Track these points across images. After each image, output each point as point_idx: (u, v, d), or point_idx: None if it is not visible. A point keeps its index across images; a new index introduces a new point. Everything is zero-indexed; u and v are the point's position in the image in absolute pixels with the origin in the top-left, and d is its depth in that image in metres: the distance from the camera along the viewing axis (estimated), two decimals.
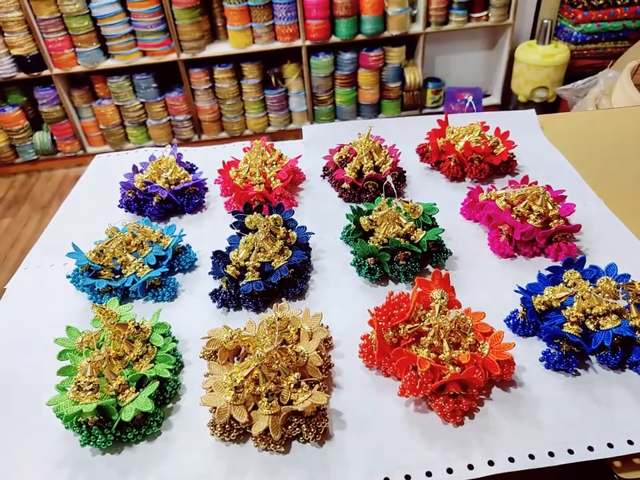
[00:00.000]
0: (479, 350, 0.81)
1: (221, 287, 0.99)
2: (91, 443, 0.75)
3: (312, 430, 0.74)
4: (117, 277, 1.04)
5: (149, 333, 0.87)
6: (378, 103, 4.20)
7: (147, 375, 0.80)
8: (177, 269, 1.09)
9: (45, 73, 3.73)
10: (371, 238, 1.02)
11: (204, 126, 4.15)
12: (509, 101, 4.42)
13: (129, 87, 3.89)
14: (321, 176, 1.35)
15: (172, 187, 1.23)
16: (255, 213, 1.07)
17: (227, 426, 0.75)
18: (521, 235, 1.02)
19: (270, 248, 1.00)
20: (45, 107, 3.88)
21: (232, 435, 0.75)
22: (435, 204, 1.06)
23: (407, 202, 1.05)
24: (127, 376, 0.80)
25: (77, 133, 4.05)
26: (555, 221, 1.03)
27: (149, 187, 1.21)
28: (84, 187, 1.42)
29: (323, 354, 0.84)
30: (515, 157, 1.31)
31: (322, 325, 0.86)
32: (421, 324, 0.82)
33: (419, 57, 4.07)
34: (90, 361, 0.78)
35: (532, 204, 1.05)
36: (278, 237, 1.03)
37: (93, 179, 1.46)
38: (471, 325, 0.83)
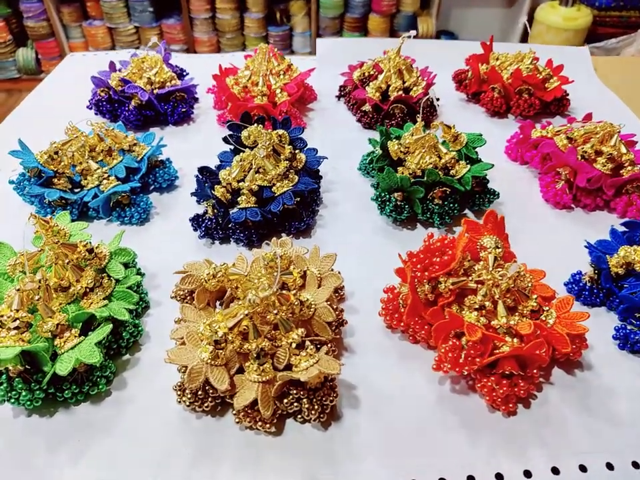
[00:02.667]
0: (542, 318, 0.61)
1: (205, 212, 0.78)
2: (12, 400, 0.55)
3: (315, 407, 0.54)
4: (74, 189, 0.82)
5: (106, 260, 0.65)
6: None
7: (97, 314, 0.59)
8: (151, 186, 0.87)
9: None
10: (400, 169, 0.81)
11: None
12: None
13: (123, 9, 3.56)
14: (337, 97, 1.12)
15: (155, 90, 1.00)
16: (255, 125, 0.85)
17: (199, 392, 0.55)
18: (586, 182, 0.81)
19: (272, 168, 0.78)
20: (30, 21, 3.55)
21: (205, 404, 0.55)
22: (481, 135, 0.85)
23: (449, 127, 0.83)
24: (70, 314, 0.59)
25: (64, 54, 3.72)
26: (629, 168, 0.82)
27: (126, 86, 0.98)
28: (49, 86, 1.18)
29: (335, 307, 0.63)
30: (568, 95, 1.09)
31: (333, 269, 0.66)
32: (469, 279, 0.62)
33: (434, 7, 3.77)
34: (19, 290, 0.57)
35: (600, 146, 0.84)
36: (282, 157, 0.81)
37: (61, 78, 1.22)
38: (530, 285, 0.63)
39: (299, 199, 0.78)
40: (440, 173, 0.77)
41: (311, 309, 0.60)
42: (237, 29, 3.89)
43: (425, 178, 0.77)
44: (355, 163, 0.93)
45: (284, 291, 0.60)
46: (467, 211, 0.83)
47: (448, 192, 0.78)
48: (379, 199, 0.79)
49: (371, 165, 0.86)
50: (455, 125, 0.84)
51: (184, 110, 1.01)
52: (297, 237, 0.79)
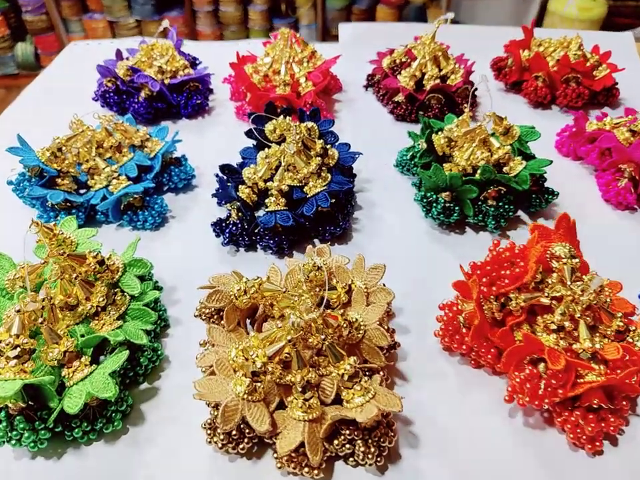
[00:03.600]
0: (629, 340, 0.53)
1: (228, 216, 0.69)
2: (13, 442, 0.46)
3: (372, 449, 0.46)
4: (80, 190, 0.73)
5: (119, 273, 0.57)
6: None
7: (111, 339, 0.50)
8: (166, 186, 0.78)
9: None
10: (447, 165, 0.72)
11: None
12: None
13: (123, 2, 3.46)
14: (364, 86, 1.03)
15: (167, 80, 0.91)
16: (281, 116, 0.76)
17: (234, 432, 0.46)
18: None
19: (304, 166, 0.69)
20: (29, 15, 3.44)
21: (241, 445, 0.47)
22: (534, 127, 0.76)
23: (501, 118, 0.74)
24: (79, 338, 0.51)
25: (64, 48, 3.64)
26: None
27: (135, 75, 0.89)
28: (50, 77, 1.09)
29: (386, 327, 0.55)
30: (617, 83, 1.00)
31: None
32: (542, 294, 0.53)
33: None
34: (19, 311, 0.48)
35: None
36: (313, 152, 0.72)
37: (63, 69, 1.13)
38: (609, 301, 0.54)
39: (333, 200, 0.69)
40: (494, 170, 0.68)
41: (360, 331, 0.51)
42: (241, 22, 3.80)
43: (478, 176, 0.68)
44: (389, 158, 0.84)
45: (329, 310, 0.51)
46: (519, 212, 0.74)
47: (503, 191, 0.69)
48: (424, 200, 0.70)
49: (413, 161, 0.77)
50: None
51: (199, 102, 0.92)
52: (332, 243, 0.70)
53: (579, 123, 0.82)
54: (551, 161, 0.70)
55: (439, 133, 0.75)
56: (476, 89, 0.85)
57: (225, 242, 0.67)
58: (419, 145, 0.76)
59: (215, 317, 0.55)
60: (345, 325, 0.50)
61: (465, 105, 0.75)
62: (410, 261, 0.67)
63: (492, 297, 0.53)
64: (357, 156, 0.75)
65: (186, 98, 0.91)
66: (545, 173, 0.70)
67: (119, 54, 0.96)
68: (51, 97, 1.02)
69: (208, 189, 0.77)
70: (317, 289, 0.54)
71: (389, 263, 0.63)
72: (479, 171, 0.68)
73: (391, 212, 0.75)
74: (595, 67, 0.96)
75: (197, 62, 1.02)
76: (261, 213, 0.70)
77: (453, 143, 0.73)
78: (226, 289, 0.54)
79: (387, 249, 0.69)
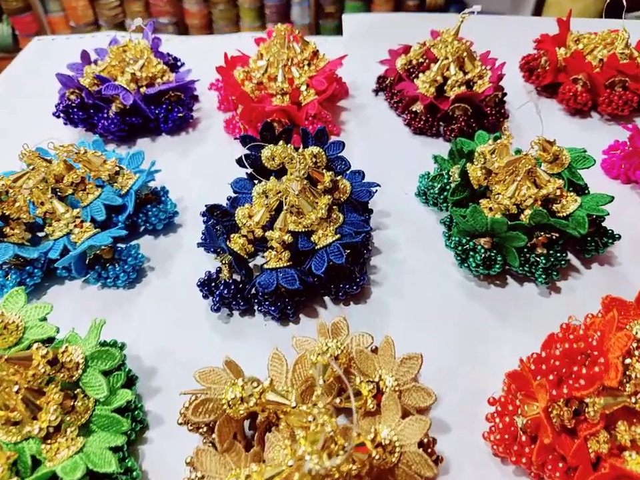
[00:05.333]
0: None
1: (219, 270, 0.56)
2: None
3: None
4: (38, 234, 0.60)
5: (79, 371, 0.44)
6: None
7: (62, 475, 0.38)
8: (142, 227, 0.65)
9: None
10: (484, 202, 0.59)
11: (191, 33, 3.58)
12: None
13: None
14: (374, 91, 0.89)
15: (142, 89, 0.77)
16: (280, 140, 0.62)
17: None
18: None
19: (311, 210, 0.56)
20: None
21: None
22: (585, 150, 0.63)
23: (550, 143, 0.61)
24: (20, 469, 0.38)
25: (43, 30, 3.42)
26: None
27: (103, 86, 0.74)
28: (4, 86, 0.94)
29: (430, 442, 0.42)
30: None
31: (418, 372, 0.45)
32: (625, 394, 0.41)
33: None
34: None
35: None
36: (320, 186, 0.59)
37: (24, 72, 0.98)
38: None
39: (348, 250, 0.56)
40: (547, 214, 0.55)
41: (395, 455, 0.39)
42: (228, 0, 3.59)
43: (528, 220, 0.55)
44: (409, 183, 0.71)
45: (360, 439, 0.38)
46: (570, 256, 0.62)
47: (555, 238, 0.56)
48: (459, 248, 0.57)
49: (442, 196, 0.64)
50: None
51: (180, 115, 0.78)
52: (347, 302, 0.57)
53: (635, 141, 0.69)
54: (612, 198, 0.57)
55: (473, 160, 0.61)
56: (534, 95, 0.70)
57: (215, 307, 0.54)
58: (448, 174, 0.63)
59: (206, 429, 0.43)
60: (377, 457, 0.37)
61: (505, 128, 0.62)
62: (443, 327, 0.55)
63: (562, 400, 0.41)
64: (374, 189, 0.62)
65: (165, 111, 0.77)
66: (607, 214, 0.57)
67: (85, 56, 0.81)
68: (7, 107, 0.87)
69: (194, 229, 0.64)
70: (356, 411, 0.41)
71: (417, 329, 0.51)
72: (528, 214, 0.55)
73: (415, 257, 0.62)
74: None
75: (179, 63, 0.87)
76: (259, 260, 0.57)
77: (492, 175, 0.59)
78: (216, 394, 0.41)
79: (413, 310, 0.56)
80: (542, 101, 0.88)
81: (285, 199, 0.56)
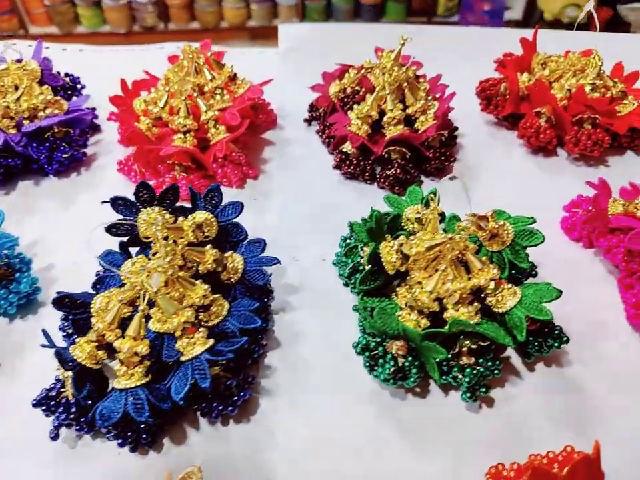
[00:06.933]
0: None
1: (62, 385, 0.45)
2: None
3: None
4: None
5: None
6: (381, 4, 3.45)
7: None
8: None
9: None
10: (401, 291, 0.48)
11: (171, 12, 3.37)
12: (531, 17, 3.70)
13: None
14: (306, 120, 0.77)
15: (21, 123, 0.64)
16: (156, 204, 0.50)
17: None
18: None
19: (173, 312, 0.44)
20: None
21: None
22: (534, 219, 0.51)
23: (487, 219, 0.49)
24: None
25: (16, 7, 3.24)
26: None
27: None
28: None
29: None
30: None
31: None
32: None
33: None
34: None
35: None
36: (202, 267, 0.47)
37: None
38: None
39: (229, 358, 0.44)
40: (471, 321, 0.44)
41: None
42: None
43: (448, 328, 0.44)
44: (332, 243, 0.59)
45: None
46: (509, 351, 0.50)
47: (483, 345, 0.45)
48: (367, 353, 0.46)
49: (352, 279, 0.52)
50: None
51: (66, 155, 0.65)
52: (225, 421, 0.46)
53: (599, 201, 0.57)
54: (560, 293, 0.46)
55: (391, 225, 0.50)
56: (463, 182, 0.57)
57: (53, 434, 0.43)
58: (361, 253, 0.51)
59: None
60: None
61: (432, 200, 0.49)
62: (345, 456, 0.44)
63: None
64: (269, 272, 0.50)
65: (48, 150, 0.65)
66: (552, 319, 0.45)
67: None
68: None
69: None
70: None
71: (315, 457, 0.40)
72: (447, 324, 0.44)
73: (322, 353, 0.50)
74: (619, 99, 0.70)
75: (78, 85, 0.74)
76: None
77: (406, 258, 0.48)
78: None
79: (308, 432, 0.45)
80: (501, 133, 0.76)
81: (143, 299, 0.44)
